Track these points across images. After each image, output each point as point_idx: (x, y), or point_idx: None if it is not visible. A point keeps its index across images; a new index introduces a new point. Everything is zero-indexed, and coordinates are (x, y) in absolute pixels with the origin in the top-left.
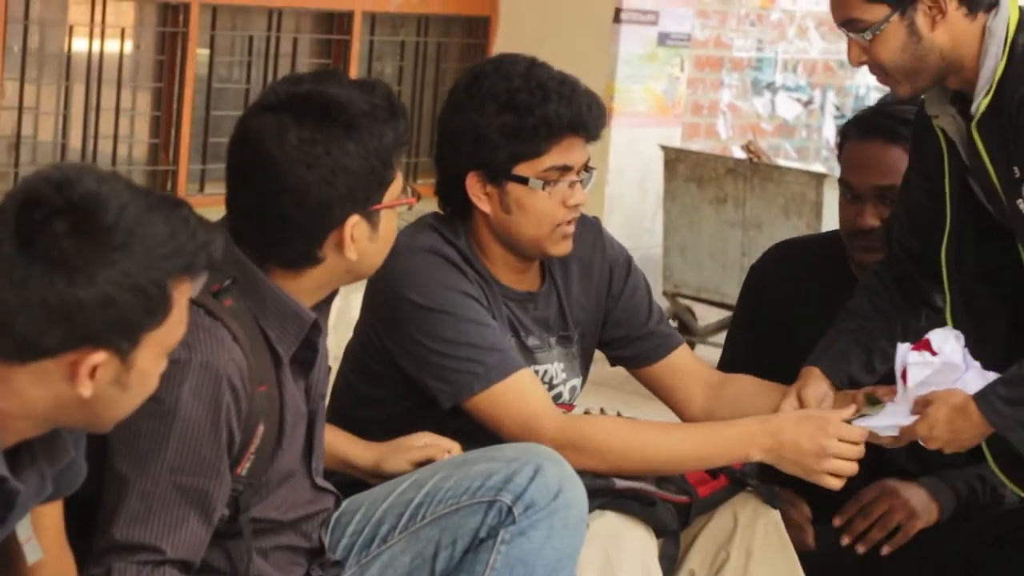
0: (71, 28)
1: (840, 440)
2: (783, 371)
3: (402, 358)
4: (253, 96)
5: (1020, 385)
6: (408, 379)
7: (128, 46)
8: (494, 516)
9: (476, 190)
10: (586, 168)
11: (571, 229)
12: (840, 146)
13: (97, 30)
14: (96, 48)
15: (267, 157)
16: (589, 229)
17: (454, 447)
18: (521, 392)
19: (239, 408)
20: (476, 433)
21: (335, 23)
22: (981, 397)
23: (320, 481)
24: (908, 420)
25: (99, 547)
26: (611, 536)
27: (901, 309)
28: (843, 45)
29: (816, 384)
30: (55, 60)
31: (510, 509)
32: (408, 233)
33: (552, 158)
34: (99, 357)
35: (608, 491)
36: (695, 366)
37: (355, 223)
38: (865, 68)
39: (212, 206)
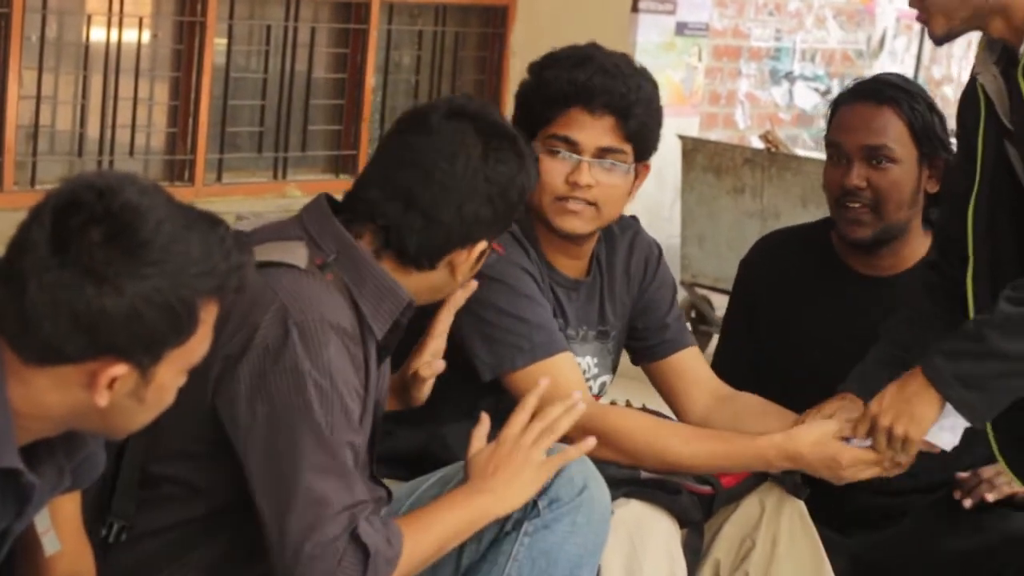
0: (89, 17)
1: (859, 465)
2: (775, 360)
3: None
4: (271, 85)
5: (960, 339)
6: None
7: (146, 35)
8: (519, 510)
9: None
10: (604, 152)
11: (574, 206)
12: (831, 116)
13: (115, 19)
14: (114, 37)
15: (451, 156)
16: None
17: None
18: (559, 375)
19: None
20: (503, 416)
21: (353, 12)
22: (924, 358)
23: (376, 475)
24: None
25: (323, 515)
26: (636, 524)
27: (940, 318)
28: (860, 35)
29: (835, 404)
30: (73, 49)
31: (535, 503)
32: None
33: (557, 127)
34: (119, 369)
35: (634, 480)
36: (703, 372)
37: (481, 249)
38: (883, 57)
39: (229, 195)
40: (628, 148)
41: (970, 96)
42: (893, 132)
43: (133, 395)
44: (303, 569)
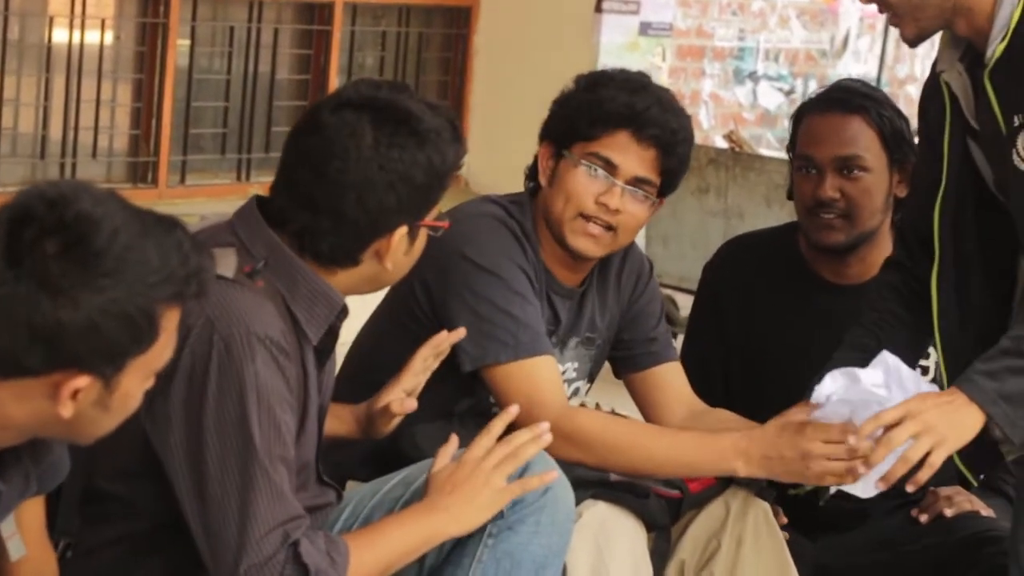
0: (51, 19)
1: (824, 441)
2: (741, 364)
3: (441, 314)
4: (234, 87)
5: (998, 358)
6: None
7: (108, 37)
8: None
9: (543, 159)
10: (638, 182)
11: (594, 229)
12: (795, 126)
13: (77, 21)
14: (76, 39)
15: (341, 151)
16: None
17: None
18: (538, 376)
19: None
20: (478, 419)
21: (316, 13)
22: (962, 378)
23: (325, 477)
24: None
25: (255, 535)
26: (602, 526)
27: (903, 319)
28: (824, 35)
29: (790, 411)
30: (35, 51)
31: None
32: (474, 203)
33: (600, 146)
34: (82, 381)
35: (603, 483)
36: (682, 387)
37: (402, 234)
38: (847, 57)
39: (192, 197)
40: (658, 182)
41: (933, 92)
42: (864, 141)
43: (98, 404)
44: None
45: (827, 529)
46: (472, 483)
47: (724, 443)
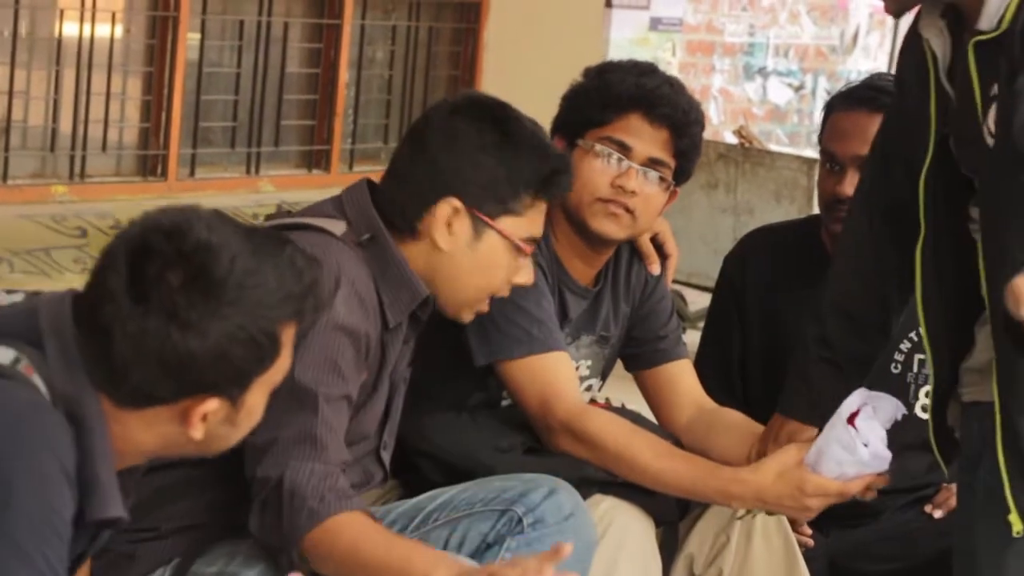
0: (61, 12)
1: (823, 496)
2: (761, 356)
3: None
4: (244, 80)
5: None
6: (442, 340)
7: (119, 30)
8: (504, 524)
9: None
10: (653, 163)
11: (615, 209)
12: (824, 119)
13: (87, 14)
14: (86, 32)
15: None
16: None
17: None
18: (552, 371)
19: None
20: (489, 412)
21: (326, 7)
22: None
23: (383, 455)
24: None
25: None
26: (611, 520)
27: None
28: (834, 31)
29: (787, 450)
30: (45, 44)
31: (520, 519)
32: None
33: (612, 130)
34: (211, 405)
35: (610, 482)
36: (691, 385)
37: (455, 209)
38: (857, 53)
39: (202, 190)
40: (673, 164)
41: (914, 57)
42: None
43: (226, 422)
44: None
45: (840, 524)
46: None
47: (721, 485)
